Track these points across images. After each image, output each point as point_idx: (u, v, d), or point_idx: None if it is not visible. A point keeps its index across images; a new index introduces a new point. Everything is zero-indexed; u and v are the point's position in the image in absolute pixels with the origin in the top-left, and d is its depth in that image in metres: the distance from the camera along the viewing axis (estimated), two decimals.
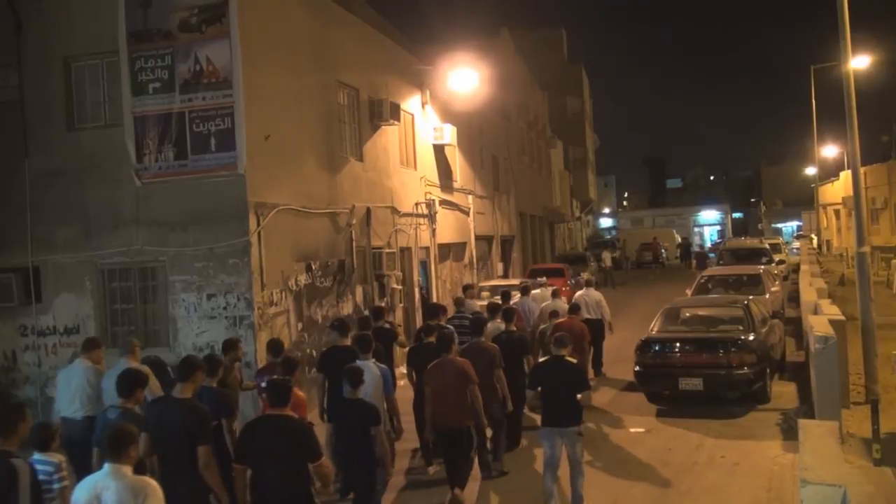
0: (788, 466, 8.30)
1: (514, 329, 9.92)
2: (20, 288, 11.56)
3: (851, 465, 6.41)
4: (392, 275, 15.19)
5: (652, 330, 12.02)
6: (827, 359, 8.75)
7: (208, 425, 5.94)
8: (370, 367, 7.52)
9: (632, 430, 10.41)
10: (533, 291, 14.29)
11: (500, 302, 12.26)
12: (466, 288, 14.83)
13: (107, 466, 4.41)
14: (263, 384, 7.23)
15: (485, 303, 13.20)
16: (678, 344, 11.37)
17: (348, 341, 8.66)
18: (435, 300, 18.14)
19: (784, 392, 11.75)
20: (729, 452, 9.09)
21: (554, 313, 12.12)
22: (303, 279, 12.15)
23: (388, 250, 15.24)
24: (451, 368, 7.77)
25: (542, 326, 12.59)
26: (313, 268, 12.51)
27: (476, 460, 8.21)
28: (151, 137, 10.89)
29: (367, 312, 12.01)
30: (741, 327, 11.59)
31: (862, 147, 12.19)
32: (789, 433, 9.30)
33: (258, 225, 10.92)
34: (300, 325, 11.93)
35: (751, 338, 11.15)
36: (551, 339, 8.08)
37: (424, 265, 18.37)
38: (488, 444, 8.66)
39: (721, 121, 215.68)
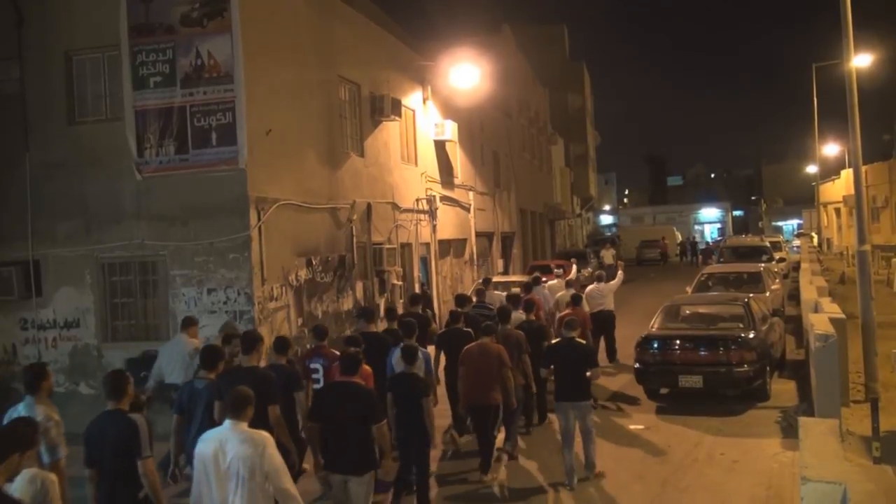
0: (788, 464, 8.30)
1: (535, 318, 10.78)
2: (20, 281, 11.55)
3: (851, 463, 6.40)
4: (392, 270, 15.21)
5: (652, 327, 12.01)
6: (827, 357, 8.74)
7: (275, 389, 6.77)
8: None
9: (631, 426, 10.41)
10: (548, 283, 14.87)
11: (520, 294, 12.81)
12: (487, 282, 15.35)
13: (227, 422, 5.09)
14: (312, 365, 8.28)
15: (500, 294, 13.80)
16: (678, 341, 11.36)
17: (373, 327, 9.64)
18: (435, 297, 18.19)
19: (784, 390, 11.75)
20: (728, 450, 9.09)
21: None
22: (303, 274, 12.14)
23: (388, 246, 15.24)
24: (488, 352, 8.48)
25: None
26: (314, 263, 12.51)
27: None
28: (152, 131, 10.88)
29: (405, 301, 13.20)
30: (741, 325, 11.58)
31: (863, 145, 12.19)
32: (789, 431, 9.31)
33: (259, 220, 10.92)
34: (300, 321, 11.92)
35: (751, 335, 11.14)
36: (560, 325, 9.14)
37: (425, 261, 18.37)
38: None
39: (722, 118, 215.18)
